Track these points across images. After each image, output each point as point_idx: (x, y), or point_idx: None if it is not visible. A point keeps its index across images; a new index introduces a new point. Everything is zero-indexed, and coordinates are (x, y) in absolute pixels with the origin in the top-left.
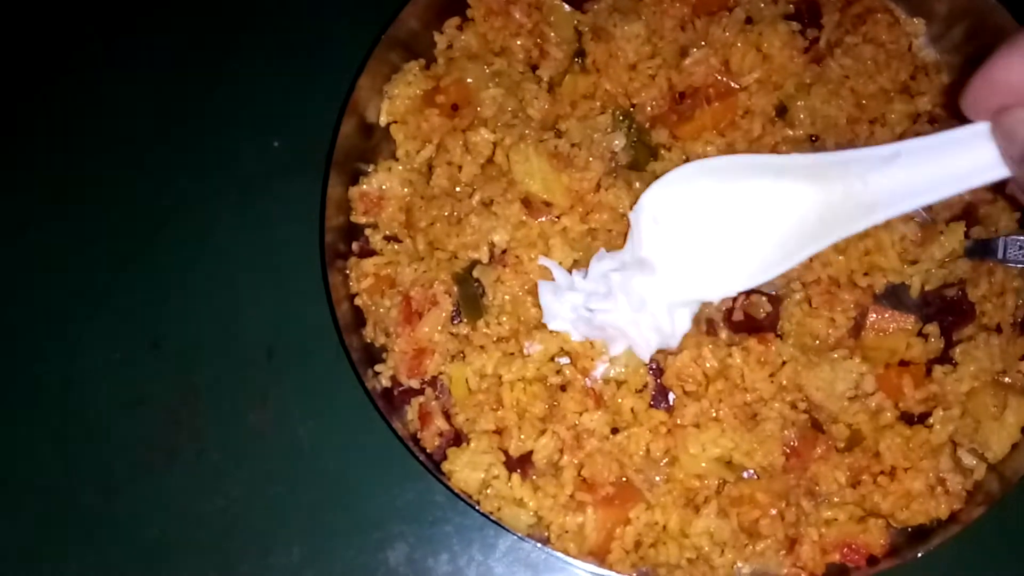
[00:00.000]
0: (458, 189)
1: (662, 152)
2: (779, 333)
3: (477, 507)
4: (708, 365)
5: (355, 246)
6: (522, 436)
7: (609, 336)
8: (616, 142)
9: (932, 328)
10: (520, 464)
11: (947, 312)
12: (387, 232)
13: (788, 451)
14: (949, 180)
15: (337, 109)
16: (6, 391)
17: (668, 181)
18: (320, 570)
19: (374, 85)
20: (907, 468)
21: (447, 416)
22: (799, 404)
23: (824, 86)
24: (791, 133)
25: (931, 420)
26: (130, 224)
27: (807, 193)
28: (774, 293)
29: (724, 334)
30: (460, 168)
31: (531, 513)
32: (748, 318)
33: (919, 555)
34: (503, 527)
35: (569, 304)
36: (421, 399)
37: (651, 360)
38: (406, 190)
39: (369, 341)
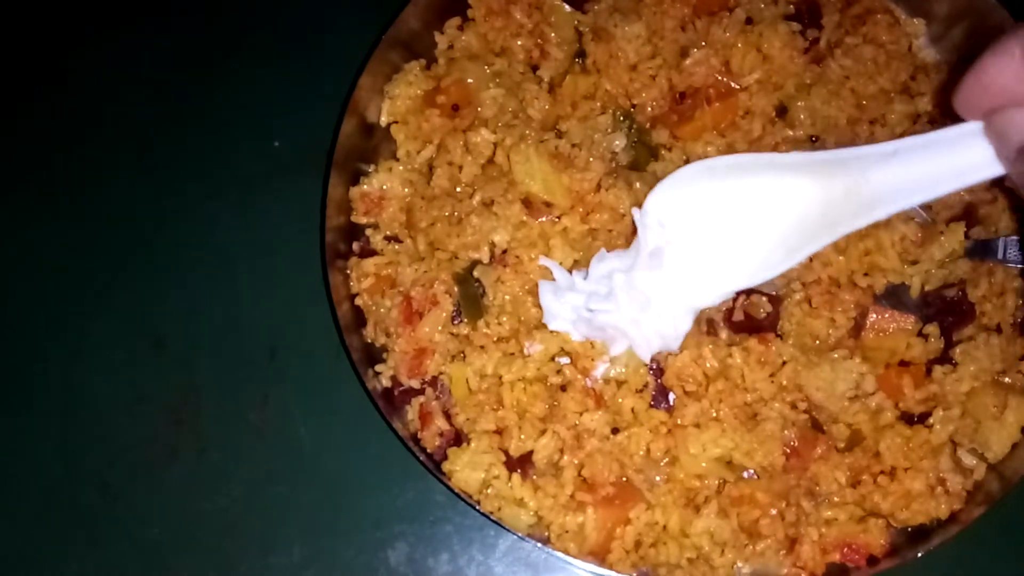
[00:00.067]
0: (459, 189)
1: (662, 152)
2: (779, 333)
3: (477, 507)
4: (708, 365)
5: (356, 246)
6: (522, 436)
7: (609, 336)
8: (616, 142)
9: (932, 328)
10: (520, 464)
11: (947, 312)
12: (388, 232)
13: (788, 451)
14: (948, 176)
15: (338, 109)
16: (6, 391)
17: (672, 183)
18: (320, 570)
19: (375, 85)
20: (907, 468)
21: (447, 416)
22: (799, 404)
23: (824, 87)
24: (791, 133)
25: (931, 420)
26: (130, 224)
27: (808, 190)
28: (774, 293)
29: (724, 334)
30: (461, 168)
31: (531, 513)
32: (748, 318)
33: (919, 555)
34: (503, 527)
35: (569, 304)
36: (421, 399)
37: (651, 360)
38: (407, 190)
39: (369, 341)
